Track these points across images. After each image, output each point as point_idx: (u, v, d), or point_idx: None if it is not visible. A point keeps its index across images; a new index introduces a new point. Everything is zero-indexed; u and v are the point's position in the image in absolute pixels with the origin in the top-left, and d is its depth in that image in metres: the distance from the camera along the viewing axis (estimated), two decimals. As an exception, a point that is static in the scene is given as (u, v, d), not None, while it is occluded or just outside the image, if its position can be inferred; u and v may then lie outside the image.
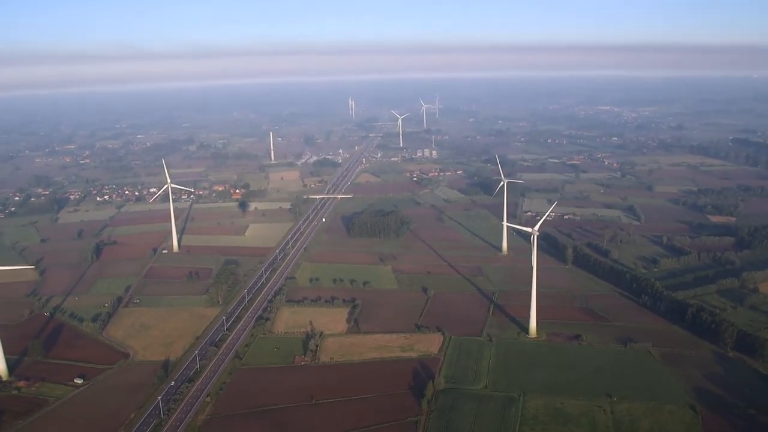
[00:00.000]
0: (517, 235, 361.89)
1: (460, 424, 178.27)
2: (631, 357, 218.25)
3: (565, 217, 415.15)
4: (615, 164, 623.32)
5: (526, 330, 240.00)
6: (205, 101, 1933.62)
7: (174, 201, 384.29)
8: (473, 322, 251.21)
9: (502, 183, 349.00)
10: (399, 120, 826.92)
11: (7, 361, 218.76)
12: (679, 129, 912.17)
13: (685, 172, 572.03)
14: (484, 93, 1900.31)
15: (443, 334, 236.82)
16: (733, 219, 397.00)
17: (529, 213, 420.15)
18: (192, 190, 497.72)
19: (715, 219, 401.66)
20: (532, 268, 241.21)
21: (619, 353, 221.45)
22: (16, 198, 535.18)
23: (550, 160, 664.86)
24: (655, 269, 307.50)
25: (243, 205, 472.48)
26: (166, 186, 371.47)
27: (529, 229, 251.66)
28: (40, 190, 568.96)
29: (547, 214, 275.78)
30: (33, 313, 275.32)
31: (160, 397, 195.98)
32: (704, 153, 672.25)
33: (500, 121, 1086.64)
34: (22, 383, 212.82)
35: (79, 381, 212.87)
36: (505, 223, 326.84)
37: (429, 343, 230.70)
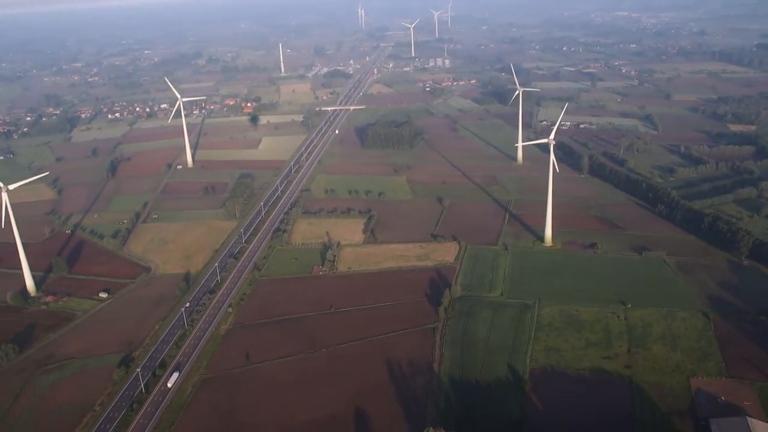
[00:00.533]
0: (533, 145, 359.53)
1: (477, 330, 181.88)
2: (645, 265, 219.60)
3: (581, 126, 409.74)
4: (632, 72, 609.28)
5: (542, 239, 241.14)
6: (211, 14, 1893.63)
7: (186, 116, 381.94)
8: (489, 231, 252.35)
9: (517, 92, 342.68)
10: (410, 29, 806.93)
11: (33, 277, 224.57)
12: (702, 35, 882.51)
13: (706, 80, 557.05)
14: None
15: (459, 243, 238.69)
16: (753, 127, 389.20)
17: (544, 122, 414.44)
18: (204, 97, 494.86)
19: (735, 128, 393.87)
20: (548, 176, 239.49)
21: (633, 261, 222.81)
22: (28, 118, 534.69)
23: (565, 68, 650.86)
24: (672, 178, 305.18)
25: (254, 119, 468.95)
26: (178, 102, 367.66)
27: (545, 140, 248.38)
28: (50, 110, 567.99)
29: (559, 121, 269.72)
30: (54, 231, 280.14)
31: (183, 309, 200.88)
32: (726, 60, 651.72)
33: (514, 29, 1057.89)
34: (49, 298, 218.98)
35: (103, 295, 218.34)
36: (520, 143, 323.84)
37: (445, 252, 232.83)
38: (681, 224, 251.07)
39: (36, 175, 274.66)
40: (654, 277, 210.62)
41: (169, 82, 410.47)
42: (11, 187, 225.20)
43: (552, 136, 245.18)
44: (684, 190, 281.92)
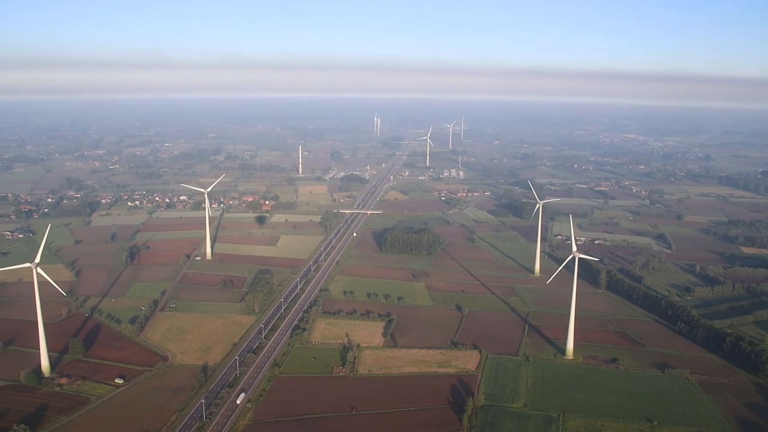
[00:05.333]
0: (548, 258, 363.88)
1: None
2: (669, 382, 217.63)
3: (596, 242, 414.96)
4: (643, 192, 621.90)
5: (563, 351, 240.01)
6: (229, 112, 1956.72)
7: (203, 209, 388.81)
8: (509, 341, 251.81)
9: (537, 206, 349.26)
10: (427, 139, 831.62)
11: (49, 358, 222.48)
12: (707, 159, 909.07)
13: (715, 203, 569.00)
14: (508, 116, 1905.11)
15: (480, 351, 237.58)
16: (766, 251, 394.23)
17: (560, 236, 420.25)
18: (223, 201, 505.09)
19: (748, 250, 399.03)
20: (571, 289, 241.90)
21: (656, 378, 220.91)
22: (49, 199, 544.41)
23: (577, 185, 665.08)
24: (689, 297, 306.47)
25: (261, 219, 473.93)
26: (204, 194, 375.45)
27: (573, 250, 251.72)
28: (71, 193, 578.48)
29: (572, 235, 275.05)
30: (71, 313, 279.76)
31: (203, 400, 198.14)
32: (733, 184, 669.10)
33: (525, 145, 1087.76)
34: (63, 380, 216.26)
35: (119, 381, 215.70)
36: (538, 250, 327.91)
37: (466, 360, 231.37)
38: (702, 343, 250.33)
39: (56, 254, 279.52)
40: (679, 396, 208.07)
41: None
42: (40, 270, 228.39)
43: (575, 248, 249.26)
44: (702, 309, 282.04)
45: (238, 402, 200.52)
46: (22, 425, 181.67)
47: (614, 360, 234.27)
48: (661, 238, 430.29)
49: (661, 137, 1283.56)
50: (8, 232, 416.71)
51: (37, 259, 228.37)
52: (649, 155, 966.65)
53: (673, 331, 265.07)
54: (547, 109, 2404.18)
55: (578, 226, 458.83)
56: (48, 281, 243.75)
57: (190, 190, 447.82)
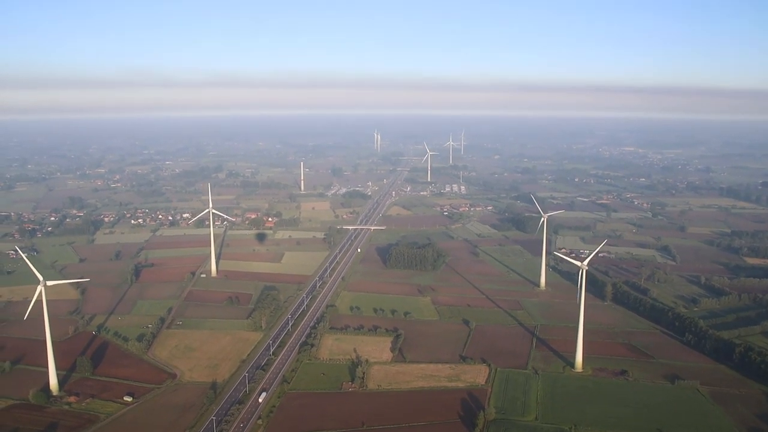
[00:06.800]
0: (553, 271, 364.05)
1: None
2: (679, 394, 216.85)
3: (600, 254, 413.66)
4: (645, 204, 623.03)
5: (572, 364, 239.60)
6: (230, 130, 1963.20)
7: (207, 227, 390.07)
8: (517, 354, 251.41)
9: (542, 219, 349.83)
10: (427, 155, 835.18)
11: (57, 376, 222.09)
12: (707, 171, 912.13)
13: (717, 215, 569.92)
14: (506, 131, 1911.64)
15: (489, 365, 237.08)
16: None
17: (564, 250, 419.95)
18: (234, 220, 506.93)
19: (752, 261, 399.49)
20: (578, 302, 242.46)
21: (667, 390, 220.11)
22: (52, 218, 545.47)
23: (579, 198, 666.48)
24: (696, 308, 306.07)
25: (261, 237, 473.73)
26: (206, 210, 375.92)
27: (578, 263, 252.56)
28: (74, 211, 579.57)
29: (598, 249, 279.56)
30: (77, 331, 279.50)
31: (213, 417, 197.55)
32: (734, 196, 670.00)
33: (525, 159, 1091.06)
34: (72, 398, 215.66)
35: (128, 399, 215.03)
36: (544, 264, 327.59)
37: (475, 374, 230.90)
38: (710, 354, 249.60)
39: (61, 273, 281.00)
40: (690, 407, 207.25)
41: (209, 189, 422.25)
42: (50, 283, 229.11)
43: (585, 262, 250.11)
44: (710, 320, 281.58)
45: (260, 401, 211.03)
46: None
47: (623, 372, 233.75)
48: (665, 250, 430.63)
49: (661, 150, 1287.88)
50: (12, 251, 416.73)
51: (41, 277, 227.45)
52: (650, 168, 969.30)
53: (681, 343, 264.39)
54: (546, 123, 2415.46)
55: (582, 239, 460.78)
56: (52, 300, 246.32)
57: (192, 207, 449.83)
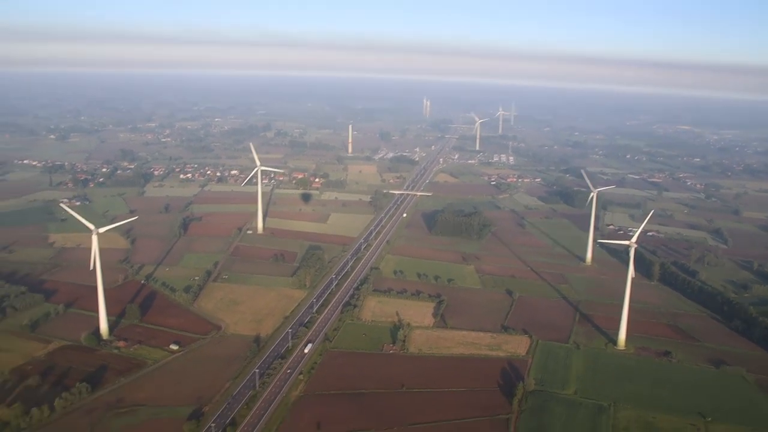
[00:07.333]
0: (600, 247, 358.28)
1: (552, 426, 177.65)
2: (724, 380, 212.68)
3: (649, 234, 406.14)
4: (698, 185, 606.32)
5: (614, 341, 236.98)
6: (279, 90, 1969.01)
7: (255, 184, 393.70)
8: (559, 328, 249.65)
9: (592, 194, 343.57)
10: (477, 123, 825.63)
11: (107, 321, 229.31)
12: (766, 154, 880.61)
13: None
14: (559, 103, 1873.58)
15: (530, 337, 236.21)
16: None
17: (612, 226, 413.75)
18: (282, 171, 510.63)
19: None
20: (626, 279, 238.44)
21: (710, 374, 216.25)
22: (104, 169, 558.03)
23: (629, 175, 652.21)
24: (746, 294, 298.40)
25: (306, 196, 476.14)
26: (256, 168, 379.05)
27: (626, 242, 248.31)
28: (125, 164, 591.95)
29: (644, 223, 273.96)
30: (127, 279, 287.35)
31: (256, 369, 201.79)
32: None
33: (576, 133, 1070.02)
34: (121, 343, 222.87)
35: (174, 347, 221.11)
36: (591, 239, 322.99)
37: (516, 345, 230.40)
38: (759, 341, 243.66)
39: (110, 223, 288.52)
40: (734, 393, 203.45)
41: (252, 148, 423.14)
42: (101, 230, 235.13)
43: (634, 239, 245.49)
44: (760, 307, 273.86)
45: (305, 351, 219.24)
46: (84, 384, 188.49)
47: (667, 353, 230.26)
48: (716, 233, 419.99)
49: (718, 130, 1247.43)
50: (66, 200, 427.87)
51: (92, 227, 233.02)
52: (705, 148, 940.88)
53: (728, 328, 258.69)
54: (599, 97, 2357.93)
55: (630, 217, 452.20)
56: (103, 248, 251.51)
57: (241, 165, 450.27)
